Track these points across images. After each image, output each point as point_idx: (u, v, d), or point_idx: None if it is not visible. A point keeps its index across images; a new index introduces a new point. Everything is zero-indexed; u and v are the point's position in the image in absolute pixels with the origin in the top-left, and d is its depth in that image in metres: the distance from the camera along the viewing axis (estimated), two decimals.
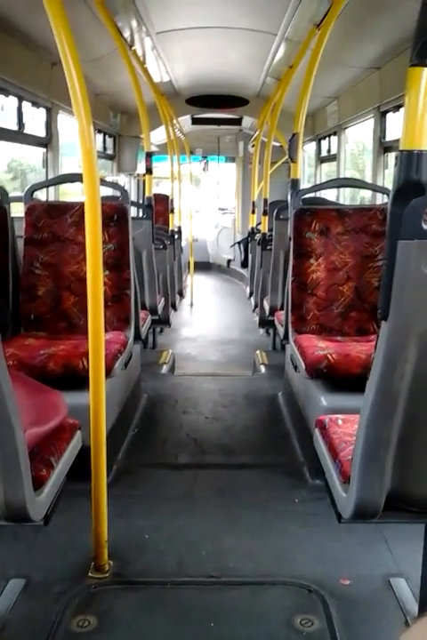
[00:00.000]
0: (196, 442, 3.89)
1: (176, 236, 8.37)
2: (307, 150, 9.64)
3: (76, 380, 3.04)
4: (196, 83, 8.07)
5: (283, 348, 4.66)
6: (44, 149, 5.66)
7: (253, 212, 8.94)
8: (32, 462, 1.76)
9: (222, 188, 14.36)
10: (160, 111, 7.21)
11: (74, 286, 3.86)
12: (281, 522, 2.93)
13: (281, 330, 4.40)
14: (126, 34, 5.19)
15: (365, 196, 7.59)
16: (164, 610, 2.31)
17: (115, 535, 2.61)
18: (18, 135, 5.10)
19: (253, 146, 10.80)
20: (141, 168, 7.71)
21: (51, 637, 2.13)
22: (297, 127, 4.36)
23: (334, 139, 7.87)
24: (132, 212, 4.68)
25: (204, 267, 12.84)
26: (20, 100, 4.99)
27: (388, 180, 5.92)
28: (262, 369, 5.47)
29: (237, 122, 10.26)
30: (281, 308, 4.95)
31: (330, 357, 3.17)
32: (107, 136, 8.37)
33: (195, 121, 9.92)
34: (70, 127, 6.03)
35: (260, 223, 7.39)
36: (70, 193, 7.58)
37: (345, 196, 7.34)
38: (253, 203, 9.01)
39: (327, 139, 8.34)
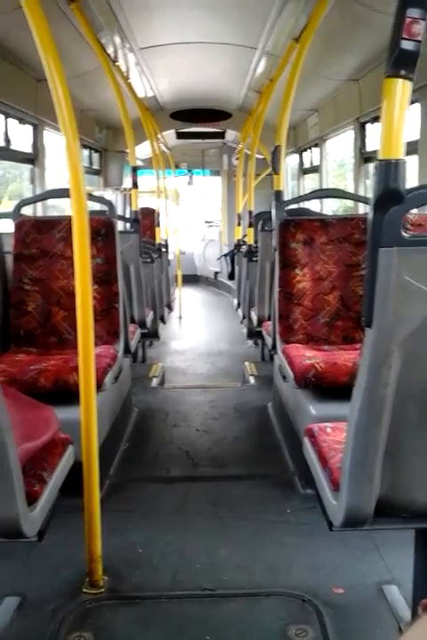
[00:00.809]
0: (187, 455, 3.89)
1: (163, 250, 8.39)
2: (289, 162, 9.74)
3: (67, 394, 3.04)
4: (179, 97, 8.14)
5: (271, 359, 4.70)
6: (31, 166, 5.68)
7: (239, 225, 9.00)
8: (25, 478, 1.76)
9: (208, 202, 14.43)
10: (145, 126, 7.26)
11: (63, 301, 3.87)
12: (274, 532, 2.94)
13: (269, 340, 4.43)
14: (110, 50, 5.24)
15: (349, 206, 7.67)
16: (159, 624, 2.31)
17: (109, 550, 2.60)
18: (4, 152, 5.12)
19: (236, 159, 10.89)
20: (128, 182, 7.74)
21: None
22: (279, 139, 4.42)
23: (315, 150, 7.96)
24: (120, 226, 4.70)
25: (191, 279, 12.87)
26: (6, 116, 5.01)
27: (369, 190, 6.00)
28: (251, 380, 5.49)
29: (221, 135, 10.35)
30: (268, 319, 4.98)
31: (318, 366, 3.20)
32: (93, 151, 8.40)
33: (179, 135, 9.99)
34: (57, 143, 6.06)
35: (246, 235, 7.44)
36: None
37: (332, 207, 7.43)
38: (239, 215, 9.07)
39: (309, 150, 8.44)
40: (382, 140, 1.55)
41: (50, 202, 6.18)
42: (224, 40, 5.42)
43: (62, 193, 4.11)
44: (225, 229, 13.05)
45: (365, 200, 4.88)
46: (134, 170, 5.48)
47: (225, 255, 11.91)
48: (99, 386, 2.91)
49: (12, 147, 5.20)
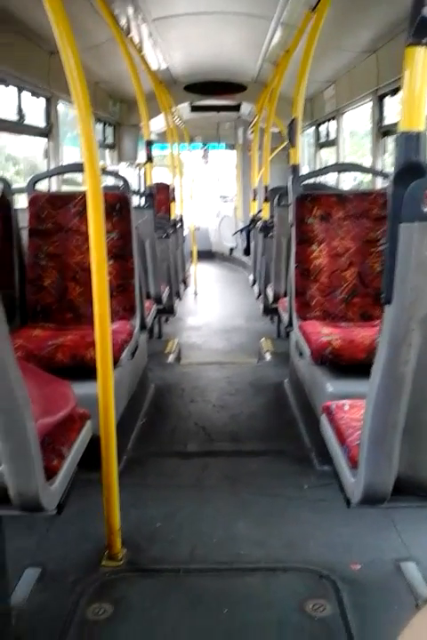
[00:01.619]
0: (204, 430, 3.91)
1: (178, 225, 8.36)
2: (305, 136, 9.60)
3: (84, 370, 3.06)
4: (193, 70, 8.02)
5: (287, 335, 4.68)
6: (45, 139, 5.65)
7: (255, 199, 8.92)
8: (43, 453, 1.77)
9: (223, 176, 14.31)
10: (159, 99, 7.18)
11: (79, 276, 3.88)
12: (291, 508, 2.96)
13: (285, 317, 4.41)
14: (123, 21, 5.16)
15: (363, 181, 7.56)
16: (177, 597, 2.34)
17: (127, 524, 2.64)
18: (18, 126, 5.09)
19: (252, 132, 10.75)
20: (142, 156, 7.69)
21: (67, 625, 2.16)
22: (296, 112, 4.34)
23: (332, 123, 7.82)
24: (134, 201, 4.67)
25: (206, 255, 12.82)
26: (20, 90, 4.97)
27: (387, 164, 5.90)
28: (268, 356, 5.48)
29: (236, 108, 10.20)
30: (285, 295, 4.95)
31: (335, 343, 3.18)
32: (106, 125, 8.33)
33: (194, 108, 9.87)
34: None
35: (261, 210, 7.37)
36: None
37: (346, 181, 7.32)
38: (254, 190, 8.98)
39: (326, 123, 8.30)
40: (403, 111, 1.51)
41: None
42: (239, 9, 5.31)
43: (76, 167, 4.09)
44: (240, 204, 12.95)
45: (383, 174, 4.80)
46: (149, 144, 5.42)
47: (241, 230, 11.83)
48: (115, 361, 2.92)
49: (27, 121, 5.17)
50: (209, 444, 3.74)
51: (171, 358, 5.52)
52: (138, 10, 4.94)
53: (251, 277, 8.45)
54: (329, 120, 8.02)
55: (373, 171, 5.30)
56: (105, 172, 5.29)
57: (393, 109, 5.62)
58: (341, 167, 6.10)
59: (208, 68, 7.91)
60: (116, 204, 3.90)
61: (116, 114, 8.53)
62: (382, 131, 5.86)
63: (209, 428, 3.95)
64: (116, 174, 5.03)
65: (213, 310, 8.50)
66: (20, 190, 4.12)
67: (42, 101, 5.45)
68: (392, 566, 2.47)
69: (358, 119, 7.30)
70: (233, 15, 5.46)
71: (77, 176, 6.81)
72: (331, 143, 7.98)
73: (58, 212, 3.92)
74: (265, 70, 7.64)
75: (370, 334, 3.27)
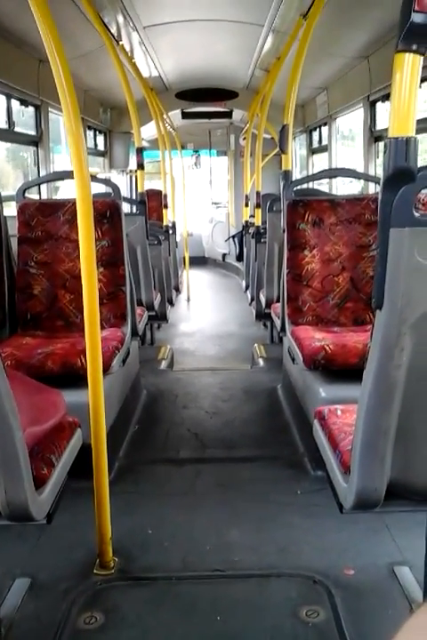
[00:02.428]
0: (197, 437, 3.89)
1: (170, 232, 8.36)
2: (298, 141, 9.63)
3: (75, 378, 3.04)
4: (185, 77, 8.04)
5: (280, 341, 4.68)
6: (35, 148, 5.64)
7: (247, 205, 8.93)
8: (32, 461, 1.76)
9: (215, 182, 14.33)
10: (150, 106, 7.19)
11: (69, 284, 3.86)
12: (284, 514, 2.94)
13: (278, 322, 4.41)
14: (113, 29, 5.16)
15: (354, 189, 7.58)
16: (170, 605, 2.32)
17: (119, 532, 2.62)
18: (8, 134, 5.08)
19: (244, 139, 10.77)
20: (133, 164, 7.69)
21: (58, 635, 2.14)
22: (287, 118, 4.36)
23: (324, 129, 7.85)
24: (126, 208, 4.66)
25: (199, 261, 12.82)
26: (9, 98, 4.96)
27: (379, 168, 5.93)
28: (261, 362, 5.48)
29: (228, 115, 10.23)
30: (277, 301, 4.95)
31: (327, 348, 3.18)
32: (97, 132, 8.33)
33: (185, 115, 9.89)
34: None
35: (253, 216, 7.38)
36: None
37: (337, 187, 7.34)
38: (246, 196, 8.99)
39: (318, 129, 8.33)
40: (392, 116, 1.51)
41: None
42: (230, 17, 5.33)
43: (66, 175, 4.08)
44: (233, 210, 12.97)
45: (375, 179, 4.81)
46: (140, 151, 5.42)
47: (233, 236, 11.85)
48: (106, 368, 2.91)
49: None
50: (202, 451, 3.72)
51: (163, 365, 5.50)
52: (128, 18, 4.94)
53: (243, 283, 8.46)
54: (321, 126, 8.06)
55: (364, 176, 5.31)
56: (96, 179, 5.28)
57: (385, 115, 5.65)
58: (332, 172, 6.12)
59: (200, 74, 7.92)
60: (107, 211, 3.89)
61: (107, 121, 8.53)
62: (375, 136, 5.89)
63: (202, 434, 3.93)
64: (107, 181, 5.03)
65: (205, 316, 8.49)
66: (9, 198, 4.10)
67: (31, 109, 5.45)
68: (386, 571, 2.46)
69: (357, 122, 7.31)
70: (224, 22, 5.47)
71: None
72: (323, 149, 8.01)
73: (47, 220, 3.91)
74: (257, 77, 7.67)
75: (363, 339, 3.26)
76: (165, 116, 9.06)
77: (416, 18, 1.42)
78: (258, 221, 6.77)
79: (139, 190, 5.37)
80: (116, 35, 5.31)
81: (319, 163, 8.70)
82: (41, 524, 1.88)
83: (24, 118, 5.37)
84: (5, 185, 6.64)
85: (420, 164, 1.53)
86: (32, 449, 1.80)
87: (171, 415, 4.30)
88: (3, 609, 2.21)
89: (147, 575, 2.49)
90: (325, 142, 7.86)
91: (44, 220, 3.90)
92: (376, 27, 4.76)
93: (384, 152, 1.53)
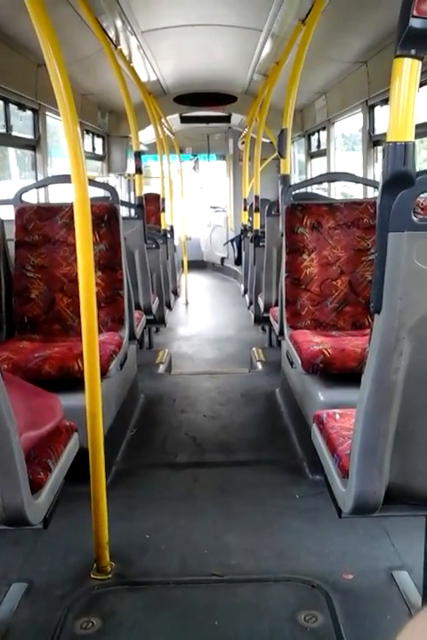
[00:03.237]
0: (195, 441, 3.88)
1: (169, 235, 8.36)
2: (297, 146, 9.65)
3: (72, 382, 3.03)
4: (183, 81, 8.05)
5: (279, 345, 4.67)
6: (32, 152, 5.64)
7: (245, 210, 8.94)
8: (29, 466, 1.75)
9: (214, 186, 14.34)
10: (148, 110, 7.20)
11: (67, 288, 3.85)
12: (282, 518, 2.93)
13: (276, 326, 4.41)
14: (111, 33, 5.17)
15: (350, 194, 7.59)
16: (167, 609, 2.30)
17: (116, 536, 2.60)
18: (5, 138, 5.08)
19: (242, 143, 10.79)
20: (132, 168, 7.69)
21: None
22: (286, 123, 4.36)
23: (323, 133, 7.87)
24: (124, 212, 4.66)
25: (197, 265, 12.83)
26: (6, 102, 4.96)
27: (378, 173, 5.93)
28: (259, 366, 5.47)
29: (226, 119, 10.25)
30: (276, 305, 4.95)
31: (326, 352, 3.17)
32: (96, 136, 8.33)
33: (183, 119, 9.90)
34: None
35: (252, 220, 7.38)
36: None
37: (336, 191, 7.35)
38: (245, 200, 9.01)
39: (317, 134, 8.34)
40: (390, 121, 1.52)
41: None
42: (228, 22, 5.34)
43: (63, 179, 4.08)
44: (231, 214, 12.98)
45: (373, 184, 4.82)
46: (138, 155, 5.42)
47: (231, 240, 11.85)
48: (104, 373, 2.90)
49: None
50: (200, 455, 3.71)
51: (161, 368, 5.50)
52: (126, 22, 4.95)
53: (242, 287, 8.45)
54: (320, 130, 8.07)
55: (363, 180, 5.32)
56: (93, 182, 5.28)
57: (384, 119, 5.66)
58: (331, 177, 6.13)
59: (198, 79, 7.94)
60: (105, 214, 3.88)
61: (106, 125, 8.54)
62: (374, 140, 5.90)
63: (200, 438, 3.92)
64: (104, 185, 5.02)
65: (204, 320, 8.49)
66: (6, 202, 4.09)
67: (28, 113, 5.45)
68: (385, 575, 2.45)
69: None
70: (223, 27, 5.48)
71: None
72: (322, 153, 8.03)
73: (45, 224, 3.90)
74: (255, 81, 7.69)
75: (361, 343, 3.26)
76: (163, 120, 9.07)
77: (415, 23, 1.42)
78: (256, 225, 6.78)
79: (137, 194, 5.37)
80: (114, 39, 5.32)
81: (318, 167, 8.71)
82: (37, 529, 1.87)
83: (21, 122, 5.37)
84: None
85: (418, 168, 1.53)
86: (29, 453, 1.79)
87: (169, 419, 4.29)
88: None
89: (144, 580, 2.48)
90: (323, 146, 7.87)
91: (42, 224, 3.90)
92: (375, 31, 4.77)
93: (383, 157, 1.53)
